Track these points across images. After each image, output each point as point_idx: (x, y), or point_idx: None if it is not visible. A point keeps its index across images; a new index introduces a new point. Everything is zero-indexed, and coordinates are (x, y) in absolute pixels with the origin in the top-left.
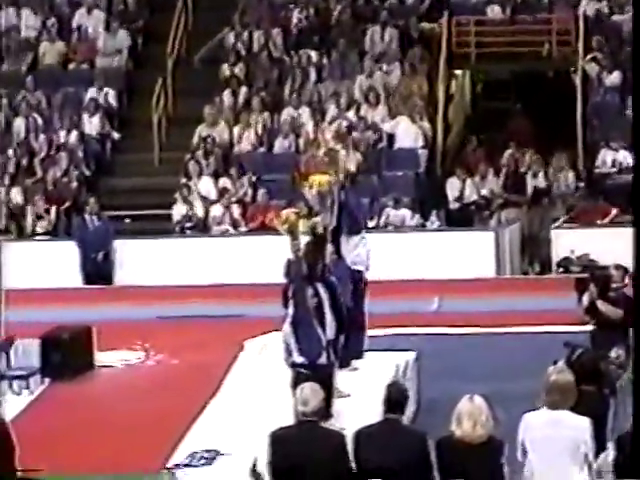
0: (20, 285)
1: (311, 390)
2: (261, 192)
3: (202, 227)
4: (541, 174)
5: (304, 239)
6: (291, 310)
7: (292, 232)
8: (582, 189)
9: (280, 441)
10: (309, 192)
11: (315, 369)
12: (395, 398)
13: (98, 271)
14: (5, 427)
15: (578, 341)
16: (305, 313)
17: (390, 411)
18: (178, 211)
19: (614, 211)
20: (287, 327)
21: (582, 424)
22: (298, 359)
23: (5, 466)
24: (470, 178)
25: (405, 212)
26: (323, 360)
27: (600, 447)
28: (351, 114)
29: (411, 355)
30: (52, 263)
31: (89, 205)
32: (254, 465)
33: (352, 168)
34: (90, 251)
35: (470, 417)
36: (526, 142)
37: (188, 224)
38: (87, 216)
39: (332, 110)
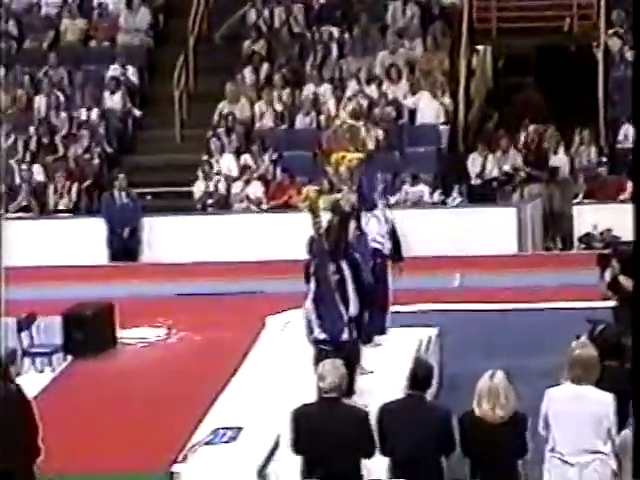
0: (41, 263)
1: (330, 366)
2: (282, 169)
3: (224, 204)
4: (562, 150)
5: (326, 216)
6: (313, 286)
7: (313, 209)
8: (604, 164)
9: (302, 418)
10: (334, 169)
11: (337, 346)
12: (420, 374)
13: (124, 248)
14: (29, 406)
15: (600, 317)
16: (327, 290)
17: (414, 387)
18: (199, 188)
19: (629, 185)
20: (309, 304)
21: (605, 399)
22: (320, 336)
23: (30, 445)
24: (492, 154)
25: (423, 188)
26: (345, 337)
27: (622, 422)
28: (372, 90)
29: (433, 331)
30: (73, 241)
31: (118, 181)
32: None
33: (371, 145)
34: (117, 227)
35: (489, 399)
36: (547, 117)
37: (209, 201)
38: (116, 192)
39: (353, 86)
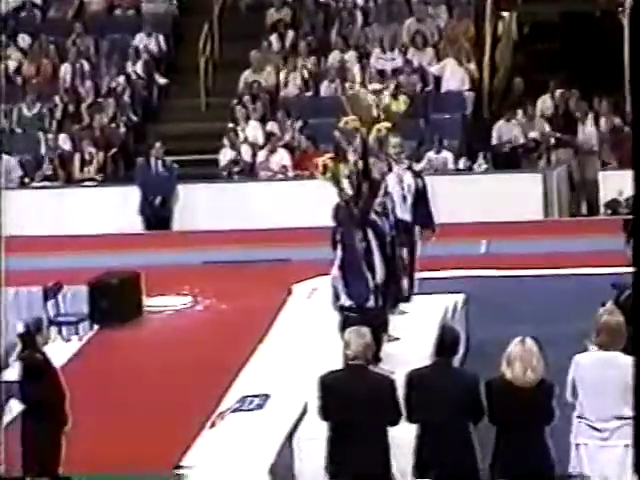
0: (67, 232)
1: (355, 334)
2: (307, 136)
3: (249, 172)
4: (591, 119)
5: (347, 182)
6: (339, 254)
7: (335, 178)
8: (627, 132)
9: (329, 384)
10: (368, 137)
11: (363, 312)
12: (447, 341)
13: (156, 216)
14: (56, 375)
15: (626, 282)
16: (354, 257)
17: (441, 354)
18: (225, 156)
19: None
20: (335, 271)
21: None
22: (346, 302)
23: (56, 412)
24: (517, 120)
25: (447, 155)
26: (371, 304)
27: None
28: (398, 57)
29: (460, 298)
30: (99, 209)
31: (154, 149)
32: None
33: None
34: (149, 195)
35: (522, 361)
36: (572, 83)
37: (235, 169)
38: (152, 160)
39: (378, 53)
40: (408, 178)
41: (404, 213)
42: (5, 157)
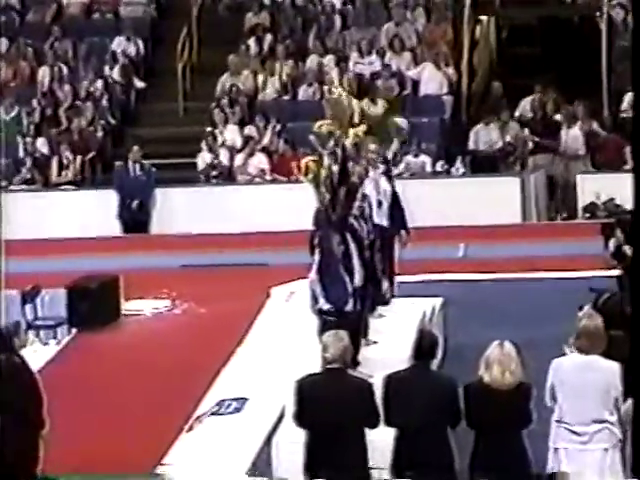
0: (45, 235)
1: (333, 337)
2: (285, 140)
3: (227, 175)
4: (578, 124)
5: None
6: (317, 257)
7: (315, 181)
8: (604, 136)
9: (306, 388)
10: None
11: (341, 316)
12: (425, 344)
13: (133, 219)
14: (34, 378)
15: (604, 286)
16: (331, 260)
17: (419, 357)
18: (203, 159)
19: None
20: (313, 274)
21: (612, 368)
22: (324, 306)
23: (34, 416)
24: (495, 124)
25: (424, 159)
26: (350, 307)
27: (628, 391)
28: (376, 61)
29: (438, 301)
30: (77, 213)
31: (132, 153)
32: None
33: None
34: (127, 199)
35: (500, 364)
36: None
37: (213, 172)
38: (130, 164)
39: (356, 58)
40: (383, 183)
41: (381, 217)
42: None
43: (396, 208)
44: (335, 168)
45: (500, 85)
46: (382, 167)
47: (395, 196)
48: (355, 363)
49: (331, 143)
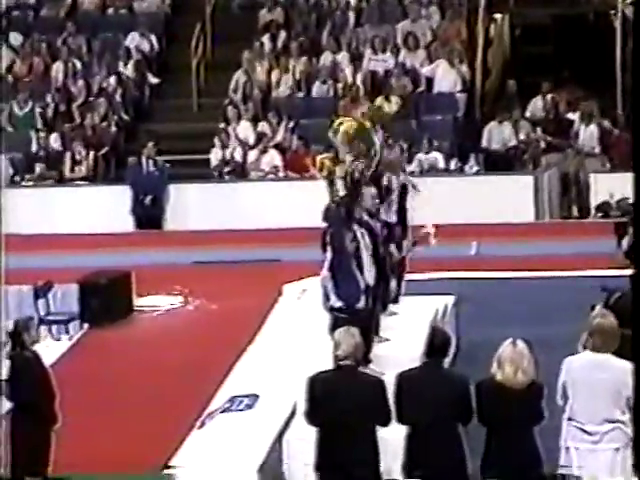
0: (58, 231)
1: (345, 334)
2: (299, 137)
3: (240, 172)
4: (595, 121)
5: (340, 183)
6: (329, 255)
7: (330, 178)
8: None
9: (318, 385)
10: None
11: (353, 314)
12: (437, 342)
13: (147, 216)
14: (46, 373)
15: (617, 285)
16: (343, 258)
17: (431, 355)
18: (216, 156)
19: None
20: (325, 272)
21: (625, 367)
22: (336, 303)
23: (46, 412)
24: (509, 122)
25: (436, 155)
26: (361, 305)
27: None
28: (390, 58)
29: (450, 299)
30: (90, 209)
31: (147, 148)
32: None
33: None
34: (140, 195)
35: (512, 363)
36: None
37: (226, 169)
38: (143, 160)
39: (370, 55)
40: (395, 181)
41: (391, 215)
42: None
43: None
44: (354, 165)
45: (514, 83)
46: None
47: (405, 195)
48: (367, 361)
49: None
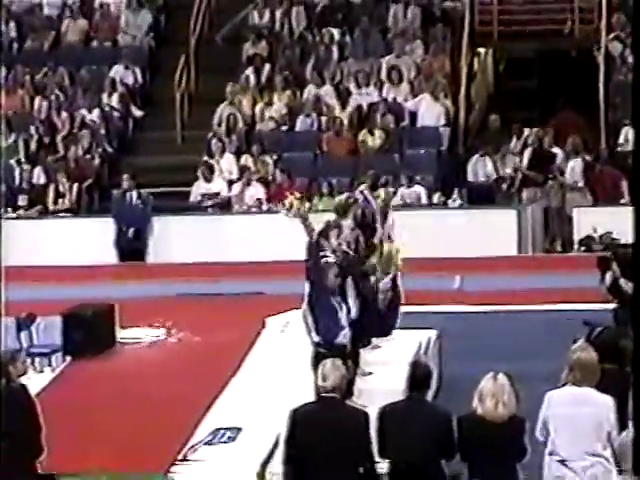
0: (41, 262)
1: (331, 365)
2: (282, 170)
3: (223, 205)
4: (561, 153)
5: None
6: (307, 289)
7: (300, 216)
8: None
9: (301, 417)
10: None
11: (333, 348)
12: (419, 376)
13: (130, 247)
14: (33, 405)
15: (600, 319)
16: (321, 292)
17: (414, 389)
18: (199, 189)
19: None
20: (304, 305)
21: (606, 402)
22: (315, 338)
23: (32, 443)
24: (492, 156)
25: (418, 189)
26: (341, 339)
27: (621, 426)
28: (373, 92)
29: (433, 333)
30: (74, 241)
31: (124, 181)
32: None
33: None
34: (122, 227)
35: (493, 396)
36: (547, 121)
37: (209, 202)
38: (127, 192)
39: (353, 89)
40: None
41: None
42: None
43: None
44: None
45: (497, 118)
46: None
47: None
48: (349, 394)
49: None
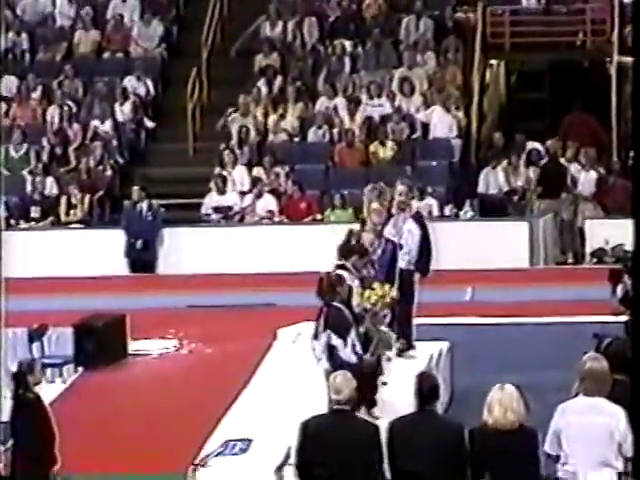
0: (53, 274)
1: (344, 378)
2: (294, 182)
3: (235, 216)
4: (575, 166)
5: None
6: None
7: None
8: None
9: (312, 430)
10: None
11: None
12: (426, 388)
13: (140, 259)
14: (47, 415)
15: (611, 332)
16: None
17: (424, 401)
18: (211, 201)
19: None
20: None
21: (617, 412)
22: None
23: (46, 453)
24: (505, 168)
25: (431, 202)
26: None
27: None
28: (386, 104)
29: (444, 345)
30: (86, 252)
31: (133, 192)
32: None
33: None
34: (131, 238)
35: (501, 404)
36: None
37: (220, 215)
38: (138, 203)
39: (365, 100)
40: (409, 224)
41: (400, 261)
42: None
43: (422, 251)
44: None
45: (501, 136)
46: (409, 209)
47: (422, 239)
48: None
49: None
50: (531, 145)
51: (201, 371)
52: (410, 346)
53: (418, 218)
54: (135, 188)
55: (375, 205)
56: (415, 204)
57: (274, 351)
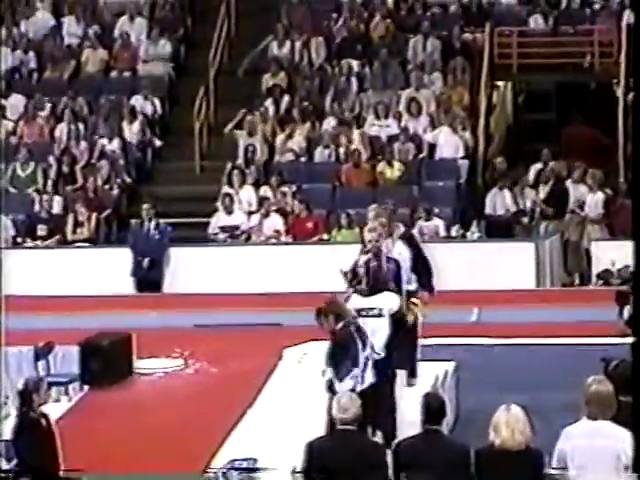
0: (59, 292)
1: (349, 398)
2: (300, 201)
3: (242, 236)
4: (582, 187)
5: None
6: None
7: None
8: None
9: (318, 450)
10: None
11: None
12: (433, 408)
13: (146, 278)
14: (52, 435)
15: (617, 353)
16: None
17: (430, 422)
18: (219, 221)
19: None
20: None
21: (622, 434)
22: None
23: (49, 474)
24: (511, 189)
25: (437, 222)
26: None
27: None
28: (392, 124)
29: (450, 365)
30: (92, 271)
31: (144, 210)
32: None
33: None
34: (138, 257)
35: (508, 425)
36: (567, 154)
37: (228, 233)
38: (145, 222)
39: (372, 120)
40: (399, 247)
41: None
42: None
43: (419, 270)
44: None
45: (504, 160)
46: (399, 231)
47: (416, 258)
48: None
49: None
50: (538, 166)
51: (206, 390)
52: (413, 374)
53: (408, 239)
54: (145, 206)
55: (369, 224)
56: (423, 224)
57: (280, 371)
